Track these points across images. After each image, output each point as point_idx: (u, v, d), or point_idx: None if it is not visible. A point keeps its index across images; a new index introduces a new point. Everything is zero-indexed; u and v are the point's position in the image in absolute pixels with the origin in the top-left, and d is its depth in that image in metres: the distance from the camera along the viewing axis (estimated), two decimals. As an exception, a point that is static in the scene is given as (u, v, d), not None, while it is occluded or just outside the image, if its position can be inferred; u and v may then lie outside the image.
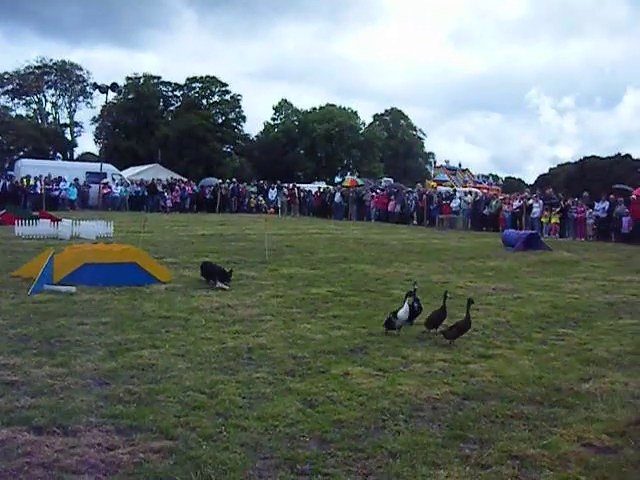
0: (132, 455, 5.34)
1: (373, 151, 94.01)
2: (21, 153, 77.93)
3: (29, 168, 46.23)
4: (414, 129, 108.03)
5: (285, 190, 50.67)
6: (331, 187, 52.60)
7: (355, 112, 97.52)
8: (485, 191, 52.72)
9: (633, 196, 31.51)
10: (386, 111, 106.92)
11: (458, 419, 6.43)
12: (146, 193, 46.70)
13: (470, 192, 44.74)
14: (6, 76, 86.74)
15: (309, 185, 58.29)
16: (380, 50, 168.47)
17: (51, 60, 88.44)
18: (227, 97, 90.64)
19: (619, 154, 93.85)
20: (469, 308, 9.44)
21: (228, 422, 6.10)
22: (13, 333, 9.19)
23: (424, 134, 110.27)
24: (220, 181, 53.47)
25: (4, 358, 7.92)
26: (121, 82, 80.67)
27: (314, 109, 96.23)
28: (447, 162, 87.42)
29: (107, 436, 5.71)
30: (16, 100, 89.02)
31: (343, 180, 66.86)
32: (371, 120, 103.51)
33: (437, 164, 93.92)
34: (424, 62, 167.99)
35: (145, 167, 61.19)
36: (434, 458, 5.49)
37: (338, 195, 46.09)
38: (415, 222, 41.67)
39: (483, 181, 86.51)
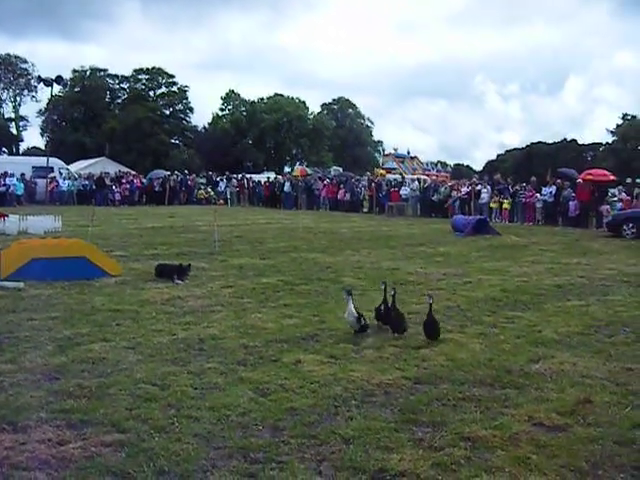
0: (84, 449, 5.30)
1: (322, 140, 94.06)
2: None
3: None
4: (362, 117, 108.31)
5: (234, 181, 50.47)
6: (280, 177, 52.44)
7: (303, 102, 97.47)
8: (434, 178, 53.13)
9: (579, 180, 31.95)
10: (334, 100, 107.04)
11: (410, 403, 6.49)
12: (94, 187, 46.06)
13: (419, 179, 45.09)
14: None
15: (258, 175, 58.05)
16: (326, 39, 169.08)
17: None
18: (174, 88, 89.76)
19: (565, 139, 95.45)
20: (394, 297, 9.39)
21: (180, 413, 6.08)
22: (-40, 331, 9.04)
23: (372, 122, 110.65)
24: (169, 173, 52.94)
25: (-49, 356, 7.80)
26: (67, 75, 79.63)
27: (262, 99, 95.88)
28: (396, 150, 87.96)
29: (58, 431, 5.65)
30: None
31: (292, 170, 66.81)
32: (319, 109, 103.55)
33: (386, 152, 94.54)
34: (370, 50, 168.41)
35: (93, 160, 60.33)
36: (387, 442, 5.54)
37: (287, 185, 46.02)
38: (365, 210, 41.88)
39: (432, 168, 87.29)
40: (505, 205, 33.95)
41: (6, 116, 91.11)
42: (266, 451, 5.35)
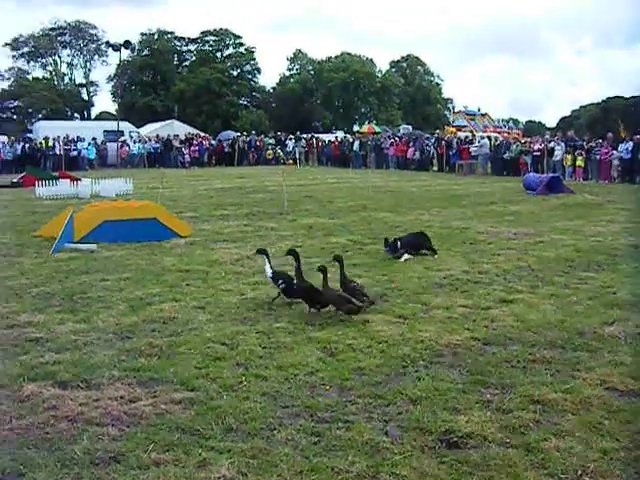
0: (154, 407, 5.41)
1: (391, 99, 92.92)
2: (39, 115, 77.93)
3: (47, 129, 46.27)
4: (431, 75, 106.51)
5: (303, 141, 50.39)
6: (349, 136, 52.11)
7: (371, 59, 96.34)
8: (505, 135, 52.11)
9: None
10: (402, 58, 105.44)
11: (479, 365, 6.42)
12: (163, 149, 46.59)
13: (489, 137, 44.23)
14: (21, 39, 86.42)
15: (327, 135, 57.87)
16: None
17: (65, 21, 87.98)
18: (241, 49, 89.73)
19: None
20: (325, 277, 8.19)
21: (248, 372, 6.15)
22: (36, 291, 9.31)
23: (442, 80, 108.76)
24: (238, 134, 53.18)
25: (28, 316, 8.05)
26: (135, 39, 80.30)
27: (329, 58, 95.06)
28: (466, 107, 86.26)
29: (129, 389, 5.78)
30: (32, 63, 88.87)
31: (361, 129, 66.23)
32: (388, 67, 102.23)
33: (456, 110, 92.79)
34: (439, 5, 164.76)
35: (162, 123, 60.87)
36: (455, 404, 5.49)
37: (356, 144, 45.74)
38: (435, 169, 41.34)
39: (503, 125, 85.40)
40: (579, 162, 32.98)
41: (77, 82, 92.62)
42: (333, 411, 5.37)
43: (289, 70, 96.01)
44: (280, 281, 8.57)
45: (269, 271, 8.70)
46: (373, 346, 6.91)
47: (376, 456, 4.66)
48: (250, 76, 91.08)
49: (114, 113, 77.33)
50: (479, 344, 7.06)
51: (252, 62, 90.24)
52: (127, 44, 53.50)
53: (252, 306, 8.44)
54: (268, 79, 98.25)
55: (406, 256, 11.67)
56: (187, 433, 4.98)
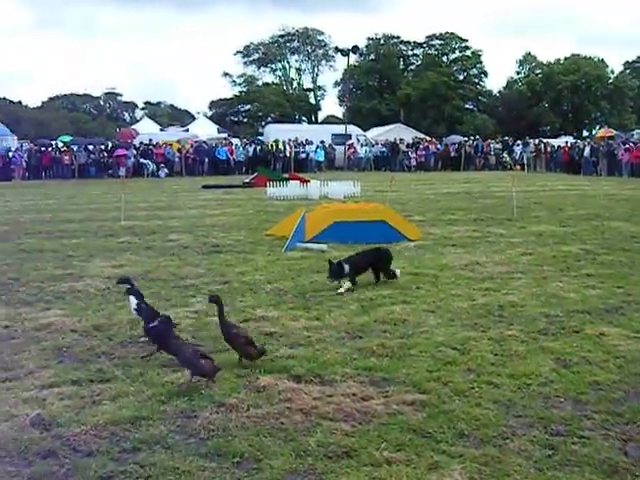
0: (386, 406, 5.48)
1: (624, 102, 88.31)
2: (269, 119, 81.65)
3: (277, 132, 48.35)
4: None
5: (531, 146, 49.04)
6: (579, 141, 50.04)
7: (602, 60, 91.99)
8: None
9: None
10: (638, 57, 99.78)
11: None
12: (390, 153, 47.14)
13: None
14: (252, 47, 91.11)
15: (555, 140, 55.97)
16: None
17: (293, 27, 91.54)
18: (467, 53, 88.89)
19: None
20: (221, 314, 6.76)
21: (480, 379, 6.07)
22: (270, 288, 9.76)
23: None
24: (465, 139, 52.73)
25: (263, 311, 8.45)
26: (361, 44, 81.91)
27: (558, 60, 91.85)
28: None
29: (361, 387, 5.89)
30: (262, 69, 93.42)
31: (591, 133, 63.28)
32: (621, 68, 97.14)
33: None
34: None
35: (388, 127, 61.61)
36: None
37: (587, 149, 43.86)
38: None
39: None
40: None
41: (305, 86, 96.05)
42: (567, 424, 5.18)
43: (517, 73, 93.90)
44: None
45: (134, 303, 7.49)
46: (610, 361, 6.58)
47: (614, 476, 4.45)
48: (476, 80, 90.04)
49: (340, 117, 79.49)
50: None
51: (478, 65, 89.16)
52: (355, 49, 54.77)
53: (483, 312, 8.33)
54: (494, 82, 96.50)
55: (346, 285, 9.61)
56: (418, 435, 5.00)
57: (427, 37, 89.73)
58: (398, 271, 10.12)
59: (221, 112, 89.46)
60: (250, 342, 6.59)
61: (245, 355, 6.57)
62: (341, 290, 9.36)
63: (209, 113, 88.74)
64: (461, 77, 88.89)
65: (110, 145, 46.26)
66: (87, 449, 4.90)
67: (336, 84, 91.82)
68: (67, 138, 53.33)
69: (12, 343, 7.41)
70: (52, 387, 6.07)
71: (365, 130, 56.11)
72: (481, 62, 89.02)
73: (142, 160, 42.40)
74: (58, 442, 5.00)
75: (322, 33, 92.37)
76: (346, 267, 9.63)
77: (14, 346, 7.26)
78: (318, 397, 5.67)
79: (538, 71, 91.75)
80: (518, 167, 46.38)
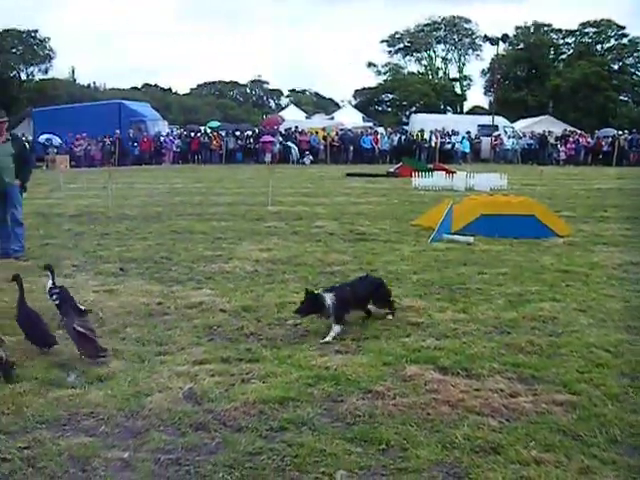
0: (534, 404, 5.38)
1: None
2: (413, 108, 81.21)
3: (422, 122, 48.16)
4: None
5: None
6: None
7: None
8: None
9: None
10: None
11: None
12: (538, 146, 45.95)
13: None
14: (397, 36, 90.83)
15: None
16: None
17: (439, 16, 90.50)
18: (624, 41, 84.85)
19: None
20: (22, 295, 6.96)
21: (634, 384, 5.84)
22: (416, 278, 9.74)
23: None
24: (619, 132, 50.52)
25: (410, 300, 8.45)
26: (510, 32, 79.95)
27: None
28: None
29: (509, 383, 5.80)
30: (408, 57, 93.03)
31: None
32: None
33: None
34: None
35: (536, 119, 59.95)
36: None
37: None
38: None
39: None
40: None
41: (451, 76, 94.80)
42: None
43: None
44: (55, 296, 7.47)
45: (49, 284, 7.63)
46: None
47: None
48: (633, 70, 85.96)
49: (486, 107, 78.06)
50: None
51: (635, 54, 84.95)
52: (505, 38, 53.64)
53: (637, 314, 8.00)
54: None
55: (335, 331, 7.15)
56: (568, 437, 4.86)
57: (580, 25, 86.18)
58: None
59: (365, 101, 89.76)
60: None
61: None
62: (327, 339, 7.01)
63: (353, 102, 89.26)
64: (616, 67, 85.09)
65: (257, 131, 47.39)
66: (236, 425, 5.05)
67: (483, 73, 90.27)
68: (215, 124, 55.06)
69: (165, 319, 7.75)
70: (203, 364, 6.28)
71: (511, 122, 54.91)
72: (639, 51, 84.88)
73: (288, 143, 43.13)
74: (209, 416, 5.18)
75: (469, 21, 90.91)
76: (328, 300, 7.17)
77: (167, 322, 7.60)
78: (465, 390, 5.63)
79: None
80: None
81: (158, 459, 4.56)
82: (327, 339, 7.00)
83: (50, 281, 7.63)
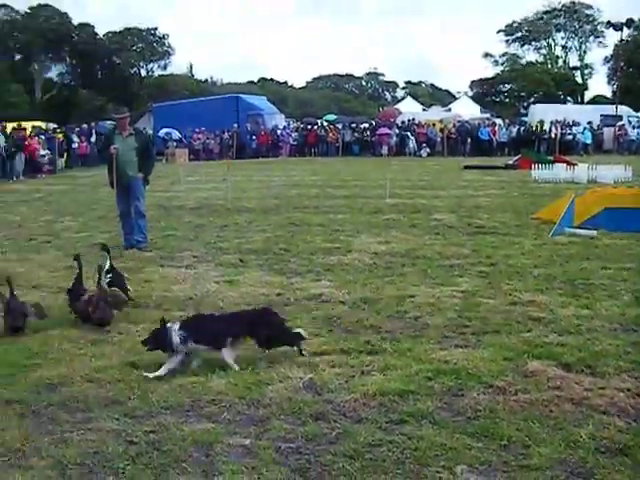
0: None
1: None
2: (532, 99, 79.26)
3: (542, 113, 46.94)
4: None
5: None
6: None
7: None
8: None
9: None
10: None
11: None
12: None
13: None
14: (515, 25, 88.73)
15: None
16: None
17: (559, 2, 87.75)
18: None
19: None
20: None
21: None
22: (538, 272, 9.56)
23: None
24: None
25: (531, 295, 8.30)
26: (635, 17, 76.81)
27: None
28: None
29: (637, 382, 5.61)
30: (526, 47, 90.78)
31: None
32: None
33: None
34: None
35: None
36: None
37: None
38: None
39: None
40: None
41: (571, 65, 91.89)
42: None
43: None
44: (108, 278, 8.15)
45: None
46: None
47: None
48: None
49: (609, 96, 75.34)
50: None
51: None
52: (630, 23, 51.61)
53: None
54: None
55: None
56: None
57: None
58: (304, 332, 6.53)
59: (482, 92, 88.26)
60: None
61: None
62: (157, 373, 5.92)
63: (470, 93, 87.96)
64: None
65: (373, 124, 47.42)
66: (356, 416, 5.09)
67: (605, 61, 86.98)
68: (332, 117, 55.48)
69: (285, 310, 7.85)
70: (323, 355, 6.36)
71: (636, 111, 52.87)
72: None
73: (407, 134, 43.02)
74: (329, 406, 5.24)
75: (590, 7, 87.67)
76: (175, 335, 6.01)
77: (287, 313, 7.68)
78: (589, 388, 5.48)
79: None
80: None
81: (279, 447, 4.65)
82: (155, 374, 5.90)
83: (108, 262, 8.22)
